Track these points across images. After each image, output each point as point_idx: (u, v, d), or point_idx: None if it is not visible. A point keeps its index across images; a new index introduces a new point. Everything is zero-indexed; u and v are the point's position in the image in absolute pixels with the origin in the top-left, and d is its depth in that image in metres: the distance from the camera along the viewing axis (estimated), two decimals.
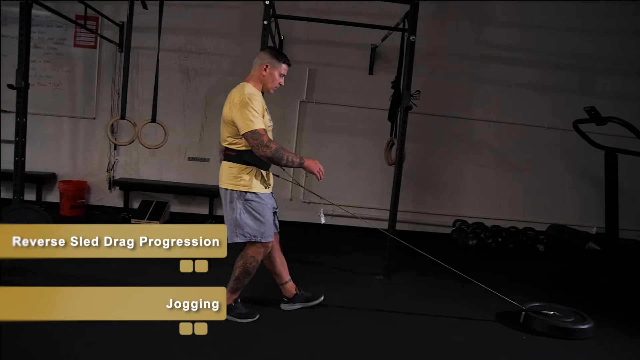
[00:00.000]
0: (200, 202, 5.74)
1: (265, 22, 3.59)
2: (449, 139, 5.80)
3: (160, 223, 5.29)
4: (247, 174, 2.72)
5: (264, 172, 2.79)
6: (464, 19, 5.68)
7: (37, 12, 5.53)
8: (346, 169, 5.78)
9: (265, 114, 2.73)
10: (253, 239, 2.75)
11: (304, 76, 5.67)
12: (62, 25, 5.62)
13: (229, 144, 2.76)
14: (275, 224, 2.94)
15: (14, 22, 5.52)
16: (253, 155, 2.69)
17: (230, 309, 2.80)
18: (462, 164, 5.87)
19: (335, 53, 5.64)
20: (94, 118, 5.70)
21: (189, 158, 5.71)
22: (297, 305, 3.12)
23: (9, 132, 4.09)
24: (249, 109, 2.61)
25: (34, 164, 5.69)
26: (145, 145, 4.19)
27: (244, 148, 2.71)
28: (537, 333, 3.04)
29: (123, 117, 4.15)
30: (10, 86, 3.79)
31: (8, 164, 4.35)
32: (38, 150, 5.69)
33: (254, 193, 2.74)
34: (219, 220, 5.55)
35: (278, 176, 3.02)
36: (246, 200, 2.72)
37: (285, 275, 3.11)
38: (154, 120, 4.20)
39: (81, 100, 5.70)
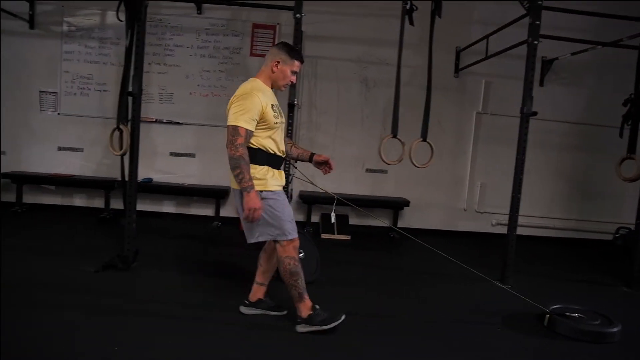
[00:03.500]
0: (378, 214, 5.71)
1: None
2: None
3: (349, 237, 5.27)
4: (260, 172, 2.61)
5: (276, 171, 2.70)
6: None
7: (213, 20, 5.36)
8: None
9: (270, 110, 2.60)
10: (278, 238, 2.66)
11: (480, 88, 5.70)
12: (239, 34, 5.42)
13: None
14: None
15: (186, 31, 5.32)
16: (264, 155, 2.63)
17: (311, 319, 2.71)
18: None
19: (507, 65, 5.67)
20: None
21: (366, 170, 5.66)
22: (255, 311, 2.97)
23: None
24: (244, 105, 2.51)
25: (207, 177, 5.55)
26: (415, 165, 4.13)
27: (255, 146, 2.60)
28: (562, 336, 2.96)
29: (395, 135, 4.06)
30: (129, 93, 3.67)
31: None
32: (210, 163, 5.54)
33: (270, 191, 2.63)
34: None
35: (290, 174, 2.92)
36: (263, 199, 2.59)
37: (265, 279, 3.00)
38: (424, 138, 4.13)
39: None
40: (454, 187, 5.76)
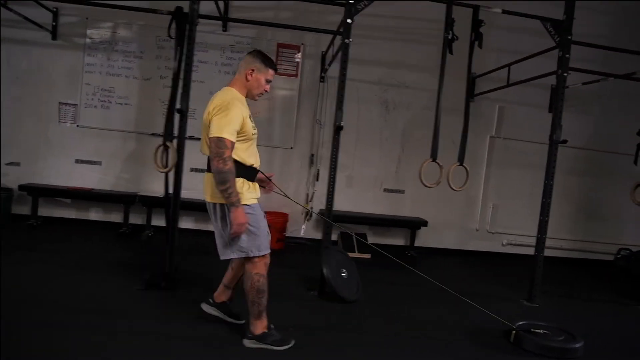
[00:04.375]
0: (395, 234, 5.83)
1: None
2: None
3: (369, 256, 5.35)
4: (237, 184, 2.51)
5: (251, 183, 2.63)
6: None
7: (238, 38, 5.43)
8: (525, 200, 6.08)
9: (249, 120, 2.55)
10: (250, 254, 2.59)
11: (494, 113, 5.92)
12: None
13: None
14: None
15: (211, 48, 5.36)
16: (241, 167, 2.55)
17: (264, 337, 2.69)
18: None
19: (521, 92, 5.92)
20: (292, 148, 5.62)
21: (384, 189, 5.78)
22: (214, 312, 2.96)
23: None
24: (226, 115, 2.43)
25: None
26: (453, 188, 4.25)
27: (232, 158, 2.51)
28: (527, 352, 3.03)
29: (434, 159, 4.16)
30: (178, 110, 3.73)
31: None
32: None
33: (246, 205, 2.54)
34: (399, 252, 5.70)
35: (263, 187, 2.91)
36: None
37: (232, 282, 2.96)
38: (461, 162, 4.26)
39: (279, 129, 5.60)
40: (467, 208, 5.94)
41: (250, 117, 2.60)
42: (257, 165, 2.69)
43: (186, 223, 5.56)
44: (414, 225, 5.64)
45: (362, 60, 5.66)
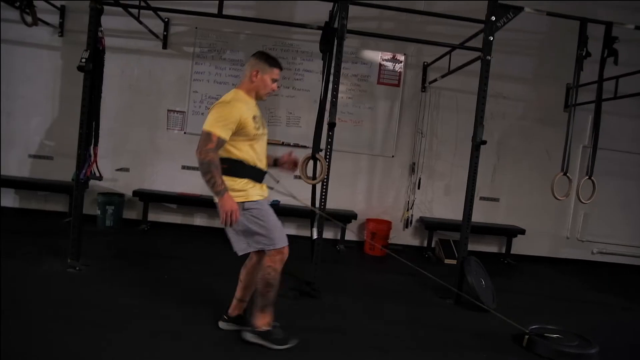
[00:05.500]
0: (489, 241, 5.92)
1: None
2: None
3: None
4: (240, 184, 2.59)
5: (257, 183, 2.68)
6: None
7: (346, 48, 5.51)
8: (616, 210, 6.15)
9: (251, 121, 2.57)
10: (266, 247, 2.64)
11: (587, 123, 5.99)
12: (367, 63, 5.59)
13: (220, 153, 2.55)
14: None
15: (315, 57, 5.43)
16: (245, 167, 2.61)
17: (266, 334, 2.71)
18: None
19: (615, 103, 5.98)
20: (393, 156, 5.71)
21: (480, 198, 5.86)
22: (233, 327, 2.91)
23: None
24: (222, 113, 2.50)
25: (331, 201, 5.63)
26: (582, 201, 4.34)
27: (235, 157, 2.59)
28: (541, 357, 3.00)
29: (565, 172, 4.26)
30: (331, 124, 3.84)
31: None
32: (335, 187, 5.62)
33: (251, 201, 2.60)
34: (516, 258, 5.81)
35: (272, 188, 2.90)
36: (245, 209, 2.59)
37: (246, 295, 2.93)
38: (590, 176, 4.35)
39: (381, 137, 5.69)
40: (559, 216, 6.01)
41: (255, 118, 2.62)
42: (262, 165, 2.71)
43: (288, 229, 5.66)
44: (510, 233, 5.72)
45: (462, 71, 5.75)
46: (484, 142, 4.03)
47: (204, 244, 5.04)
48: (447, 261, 5.41)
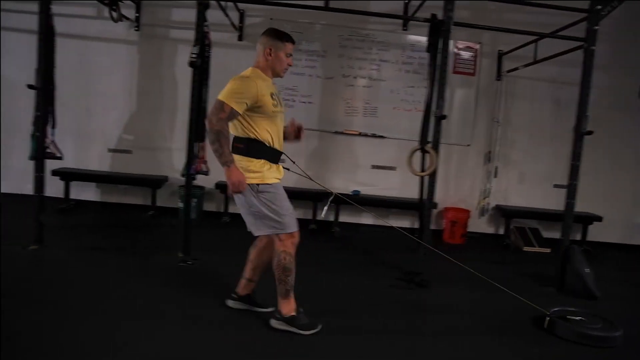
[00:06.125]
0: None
1: None
2: None
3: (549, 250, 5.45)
4: (257, 165, 2.59)
5: (273, 165, 2.67)
6: None
7: (418, 37, 5.48)
8: None
9: (269, 98, 2.58)
10: (277, 231, 2.64)
11: None
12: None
13: (236, 132, 2.62)
14: None
15: (391, 47, 5.38)
16: (262, 147, 2.60)
17: (292, 320, 2.72)
18: None
19: None
20: (469, 145, 5.71)
21: (554, 185, 5.85)
22: (241, 306, 2.98)
23: None
24: (238, 85, 2.53)
25: (406, 190, 5.65)
26: None
27: (252, 137, 2.59)
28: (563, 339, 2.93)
29: None
30: (441, 117, 3.92)
31: None
32: (411, 177, 5.63)
33: (267, 184, 2.60)
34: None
35: (288, 169, 2.87)
36: (259, 192, 2.58)
37: (255, 275, 2.97)
38: None
39: (457, 126, 5.68)
40: (633, 202, 5.99)
41: (273, 95, 2.63)
42: (278, 146, 2.69)
43: (366, 219, 5.70)
44: (586, 220, 5.71)
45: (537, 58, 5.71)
46: (590, 133, 4.00)
47: None
48: (525, 249, 5.43)
